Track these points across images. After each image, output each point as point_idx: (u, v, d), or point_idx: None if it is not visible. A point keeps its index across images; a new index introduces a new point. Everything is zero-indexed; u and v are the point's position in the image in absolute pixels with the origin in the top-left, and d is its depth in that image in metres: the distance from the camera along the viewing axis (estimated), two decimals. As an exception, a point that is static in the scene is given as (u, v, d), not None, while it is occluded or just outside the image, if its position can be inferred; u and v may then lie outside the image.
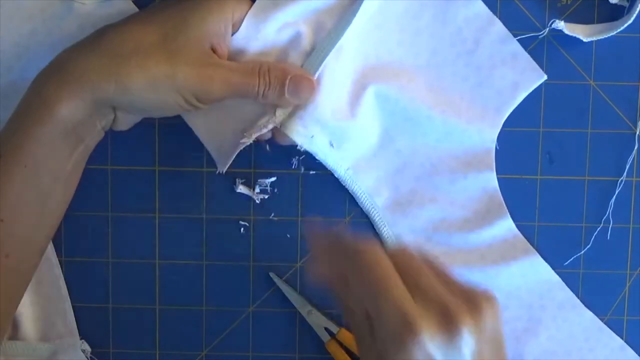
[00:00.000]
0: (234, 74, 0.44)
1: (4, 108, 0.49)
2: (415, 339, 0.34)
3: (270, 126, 0.46)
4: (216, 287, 0.52)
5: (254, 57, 0.46)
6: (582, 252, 0.51)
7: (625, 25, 0.48)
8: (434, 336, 0.34)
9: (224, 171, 0.48)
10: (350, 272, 0.37)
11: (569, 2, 0.49)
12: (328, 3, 0.46)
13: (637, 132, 0.50)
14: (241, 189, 0.51)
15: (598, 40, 0.49)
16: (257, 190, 0.51)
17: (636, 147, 0.50)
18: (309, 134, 0.47)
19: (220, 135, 0.48)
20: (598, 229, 0.51)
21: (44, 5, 0.48)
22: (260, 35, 0.46)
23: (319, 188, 0.51)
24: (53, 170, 0.42)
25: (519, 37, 0.49)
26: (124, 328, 0.52)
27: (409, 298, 0.35)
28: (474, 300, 0.36)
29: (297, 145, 0.47)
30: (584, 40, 0.48)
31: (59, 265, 0.51)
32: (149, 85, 0.42)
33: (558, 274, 0.50)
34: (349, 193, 0.51)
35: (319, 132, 0.47)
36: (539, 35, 0.49)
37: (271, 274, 0.51)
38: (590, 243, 0.51)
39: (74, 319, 0.51)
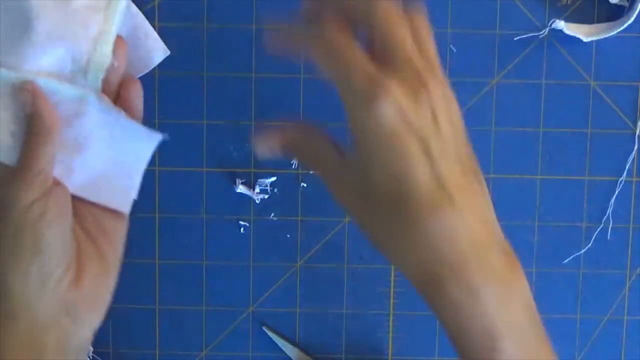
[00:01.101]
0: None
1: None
2: (385, 94, 0.35)
3: None
4: (216, 287, 0.52)
5: None
6: (582, 251, 0.51)
7: (625, 25, 0.48)
8: (404, 92, 0.35)
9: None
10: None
11: (569, 2, 0.49)
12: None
13: (637, 132, 0.50)
14: (241, 189, 0.51)
15: (598, 40, 0.49)
16: (257, 190, 0.51)
17: (636, 147, 0.50)
18: None
19: None
20: (598, 229, 0.51)
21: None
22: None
23: (318, 188, 0.51)
24: None
25: (519, 37, 0.49)
26: (124, 328, 0.52)
27: (370, 63, 0.36)
28: (435, 68, 0.38)
29: None
30: (584, 40, 0.48)
31: (59, 265, 0.51)
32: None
33: (558, 273, 0.50)
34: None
35: None
36: (539, 35, 0.49)
37: (264, 328, 0.52)
38: (590, 243, 0.51)
39: (74, 318, 0.51)
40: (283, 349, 0.51)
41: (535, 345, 0.37)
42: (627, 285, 0.51)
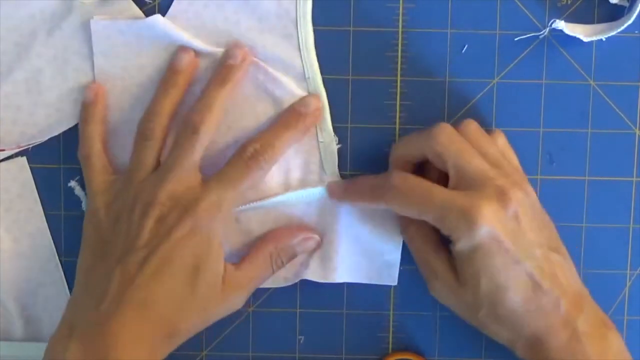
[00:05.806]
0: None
1: (5, 108, 0.49)
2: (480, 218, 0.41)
3: None
4: (216, 287, 0.52)
5: None
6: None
7: (625, 25, 0.48)
8: (494, 210, 0.42)
9: None
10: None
11: (569, 2, 0.49)
12: None
13: (638, 132, 0.50)
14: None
15: (598, 40, 0.49)
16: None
17: (637, 147, 0.50)
18: None
19: None
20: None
21: (44, 5, 0.48)
22: None
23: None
24: None
25: (519, 37, 0.49)
26: (124, 328, 0.52)
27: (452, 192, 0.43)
28: (518, 176, 0.45)
29: None
30: (584, 40, 0.48)
31: (60, 266, 0.51)
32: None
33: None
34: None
35: None
36: (539, 35, 0.49)
37: None
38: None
39: (74, 319, 0.51)
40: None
41: None
42: (627, 285, 0.51)
